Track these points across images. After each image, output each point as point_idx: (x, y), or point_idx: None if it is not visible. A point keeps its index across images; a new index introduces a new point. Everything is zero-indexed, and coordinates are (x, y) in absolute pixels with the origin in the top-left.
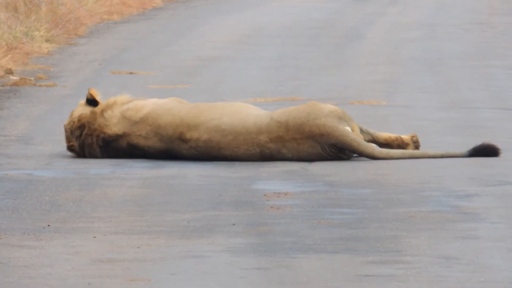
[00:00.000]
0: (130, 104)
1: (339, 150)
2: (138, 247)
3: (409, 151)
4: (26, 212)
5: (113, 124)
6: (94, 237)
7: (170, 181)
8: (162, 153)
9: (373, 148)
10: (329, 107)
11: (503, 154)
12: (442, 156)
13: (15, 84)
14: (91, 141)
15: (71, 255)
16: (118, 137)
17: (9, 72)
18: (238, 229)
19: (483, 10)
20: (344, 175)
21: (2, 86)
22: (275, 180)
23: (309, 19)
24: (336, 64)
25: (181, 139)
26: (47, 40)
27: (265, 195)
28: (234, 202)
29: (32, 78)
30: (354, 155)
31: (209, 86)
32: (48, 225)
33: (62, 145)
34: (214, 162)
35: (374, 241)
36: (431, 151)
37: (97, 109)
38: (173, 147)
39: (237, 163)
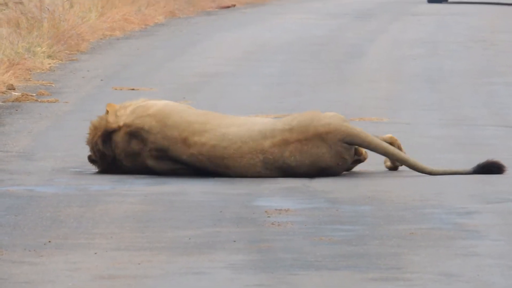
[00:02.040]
0: (143, 103)
1: (348, 146)
2: (139, 264)
3: (413, 160)
4: (27, 228)
5: (121, 120)
6: (95, 253)
7: (171, 197)
8: (160, 151)
9: (380, 141)
10: (332, 112)
11: (507, 172)
12: (444, 173)
13: (17, 100)
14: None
15: (72, 271)
16: (119, 128)
17: (11, 88)
18: (239, 245)
19: (485, 28)
20: (345, 192)
21: (4, 102)
22: (276, 196)
23: (310, 35)
24: (338, 81)
25: (185, 143)
26: (49, 56)
27: (266, 211)
28: (235, 218)
29: (34, 94)
30: (355, 159)
31: (210, 102)
32: (49, 241)
33: (63, 161)
34: (215, 179)
35: (375, 258)
36: (433, 167)
37: (111, 110)
38: (174, 149)
39: (238, 180)
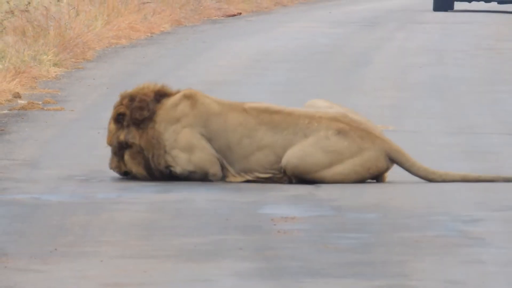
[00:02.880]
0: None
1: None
2: (145, 271)
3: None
4: (33, 236)
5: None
6: (101, 261)
7: (177, 205)
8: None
9: (421, 164)
10: None
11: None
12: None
13: (23, 108)
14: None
15: (78, 279)
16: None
17: (17, 96)
18: (245, 253)
19: (491, 36)
20: (350, 199)
21: (10, 110)
22: (282, 204)
23: (316, 44)
24: (344, 89)
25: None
26: (55, 64)
27: (272, 219)
28: (241, 226)
29: (40, 102)
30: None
31: None
32: (55, 249)
33: (69, 169)
34: (221, 186)
35: (380, 265)
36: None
37: None
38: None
39: (244, 188)
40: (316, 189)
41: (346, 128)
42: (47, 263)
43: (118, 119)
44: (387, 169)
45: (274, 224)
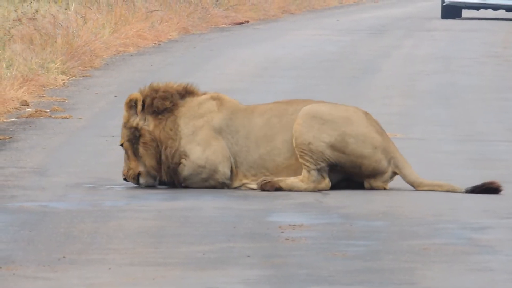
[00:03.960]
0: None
1: (391, 172)
2: (153, 279)
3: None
4: (41, 243)
5: None
6: (109, 268)
7: (185, 213)
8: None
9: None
10: None
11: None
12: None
13: (31, 116)
14: None
15: (86, 286)
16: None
17: (25, 104)
18: (253, 261)
19: (498, 44)
20: (358, 207)
21: (18, 117)
22: (289, 212)
23: (324, 52)
24: (351, 97)
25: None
26: (62, 72)
27: (279, 227)
28: (249, 234)
29: (48, 110)
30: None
31: None
32: (63, 257)
33: (77, 177)
34: (229, 194)
35: (388, 273)
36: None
37: None
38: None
39: (251, 195)
40: (323, 197)
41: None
42: (55, 271)
43: (131, 105)
44: None
45: (282, 232)
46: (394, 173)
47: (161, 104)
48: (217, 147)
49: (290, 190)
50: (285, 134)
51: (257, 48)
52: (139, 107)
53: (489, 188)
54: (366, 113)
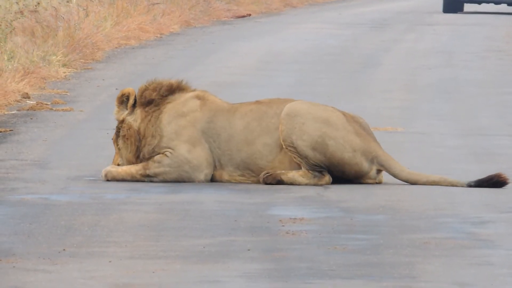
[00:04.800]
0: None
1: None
2: (154, 272)
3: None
4: (41, 236)
5: None
6: (110, 261)
7: (186, 206)
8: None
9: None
10: None
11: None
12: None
13: (32, 108)
14: None
15: (86, 279)
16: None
17: (26, 96)
18: (254, 254)
19: (500, 38)
20: (359, 201)
21: (19, 110)
22: (290, 206)
23: (325, 45)
24: (353, 91)
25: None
26: (64, 65)
27: (280, 220)
28: (250, 227)
29: (49, 103)
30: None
31: None
32: (64, 250)
33: (78, 170)
34: (230, 188)
35: (388, 267)
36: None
37: None
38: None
39: (252, 189)
40: (324, 191)
41: None
42: (55, 263)
43: (122, 100)
44: None
45: (283, 225)
46: (379, 170)
47: (148, 94)
48: (202, 150)
49: (291, 183)
50: (265, 137)
51: (259, 41)
52: (131, 101)
53: (497, 182)
54: (344, 113)
